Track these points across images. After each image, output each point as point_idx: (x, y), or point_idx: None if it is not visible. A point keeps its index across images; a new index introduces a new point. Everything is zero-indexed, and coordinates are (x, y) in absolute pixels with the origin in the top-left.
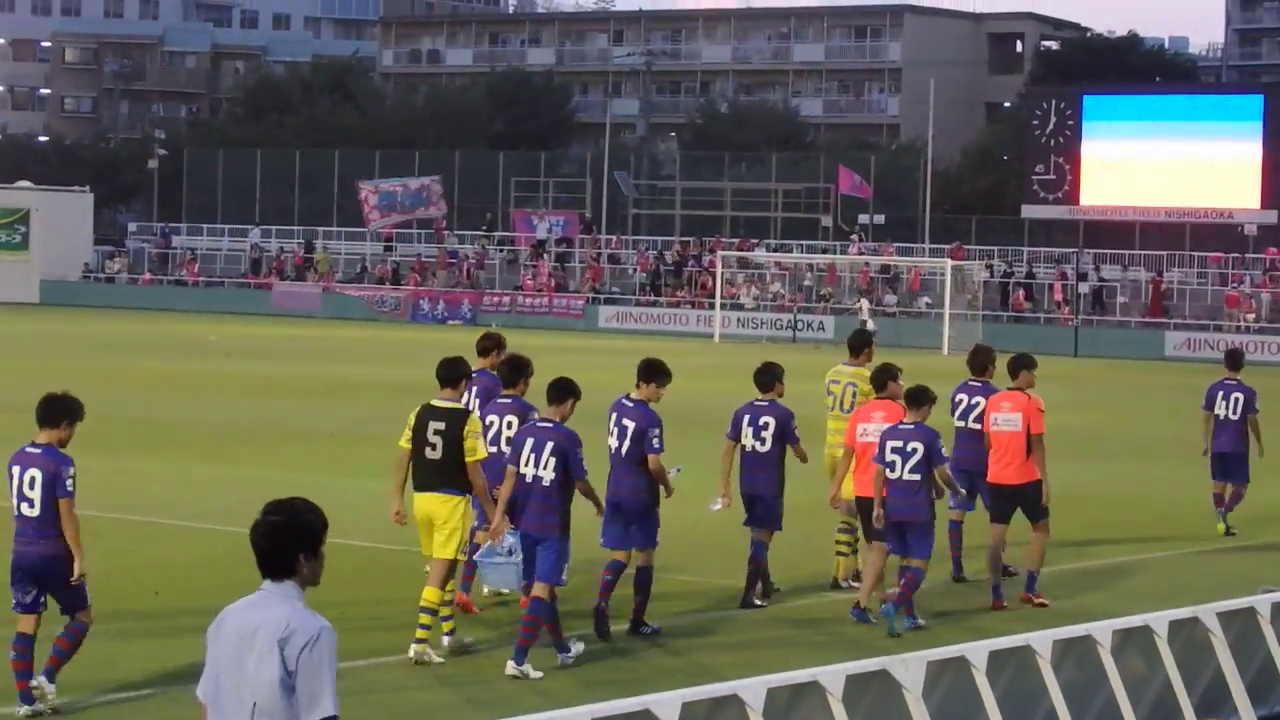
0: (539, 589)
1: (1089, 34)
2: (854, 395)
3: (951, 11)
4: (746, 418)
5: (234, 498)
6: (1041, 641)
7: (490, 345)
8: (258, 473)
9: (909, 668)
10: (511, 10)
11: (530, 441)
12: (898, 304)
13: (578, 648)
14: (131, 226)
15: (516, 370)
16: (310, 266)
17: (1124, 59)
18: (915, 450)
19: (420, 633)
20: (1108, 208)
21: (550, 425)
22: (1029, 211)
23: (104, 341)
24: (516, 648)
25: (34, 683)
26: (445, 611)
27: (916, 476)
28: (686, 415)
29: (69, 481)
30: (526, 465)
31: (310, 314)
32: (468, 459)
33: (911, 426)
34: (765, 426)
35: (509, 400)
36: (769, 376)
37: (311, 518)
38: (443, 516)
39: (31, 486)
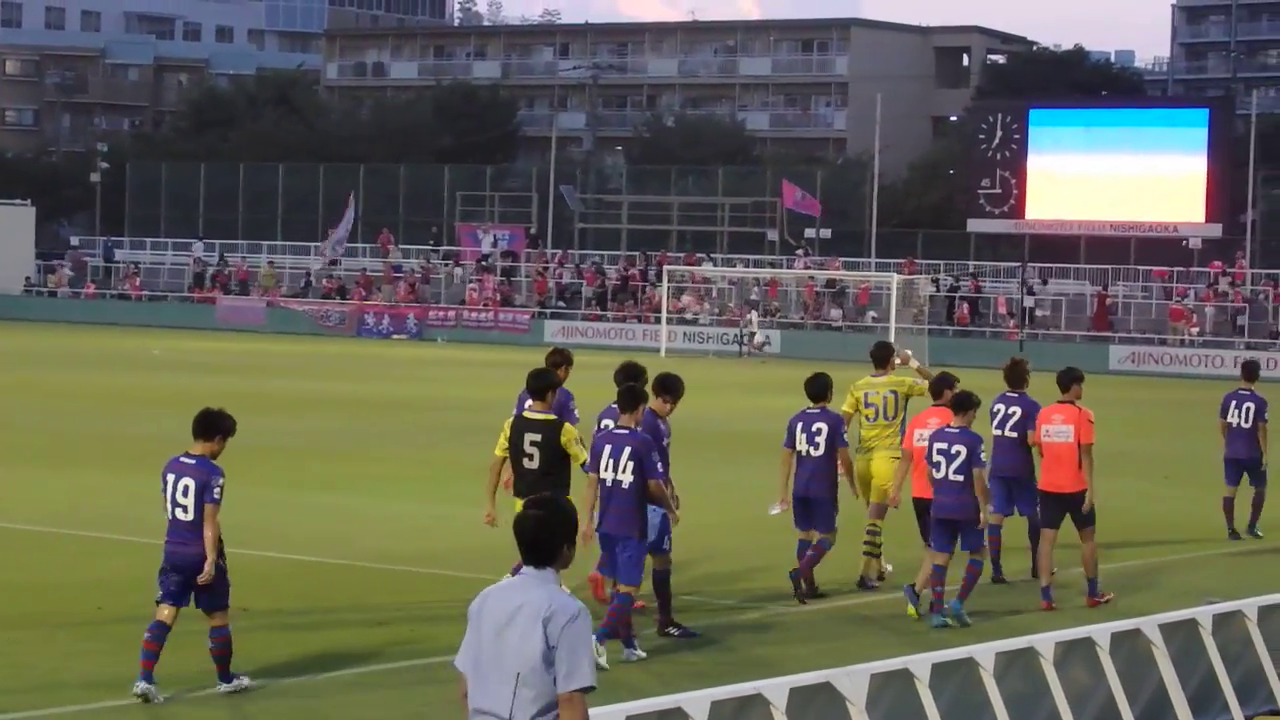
0: (623, 589)
1: (1035, 48)
2: (896, 401)
3: (898, 25)
4: (800, 425)
5: None
6: (984, 654)
7: (560, 361)
8: None
9: (852, 680)
10: (457, 23)
11: (608, 448)
12: (844, 318)
13: (640, 654)
14: (74, 240)
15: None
16: (255, 280)
17: (1070, 73)
18: (959, 453)
19: None
20: (1053, 221)
21: (626, 431)
22: (975, 225)
23: (46, 356)
24: (600, 630)
25: (221, 689)
26: None
27: (960, 477)
28: None
29: (217, 490)
30: (606, 470)
31: (255, 329)
32: (575, 464)
33: (957, 430)
34: (819, 433)
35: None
36: (821, 386)
37: (570, 512)
38: None
39: (185, 494)
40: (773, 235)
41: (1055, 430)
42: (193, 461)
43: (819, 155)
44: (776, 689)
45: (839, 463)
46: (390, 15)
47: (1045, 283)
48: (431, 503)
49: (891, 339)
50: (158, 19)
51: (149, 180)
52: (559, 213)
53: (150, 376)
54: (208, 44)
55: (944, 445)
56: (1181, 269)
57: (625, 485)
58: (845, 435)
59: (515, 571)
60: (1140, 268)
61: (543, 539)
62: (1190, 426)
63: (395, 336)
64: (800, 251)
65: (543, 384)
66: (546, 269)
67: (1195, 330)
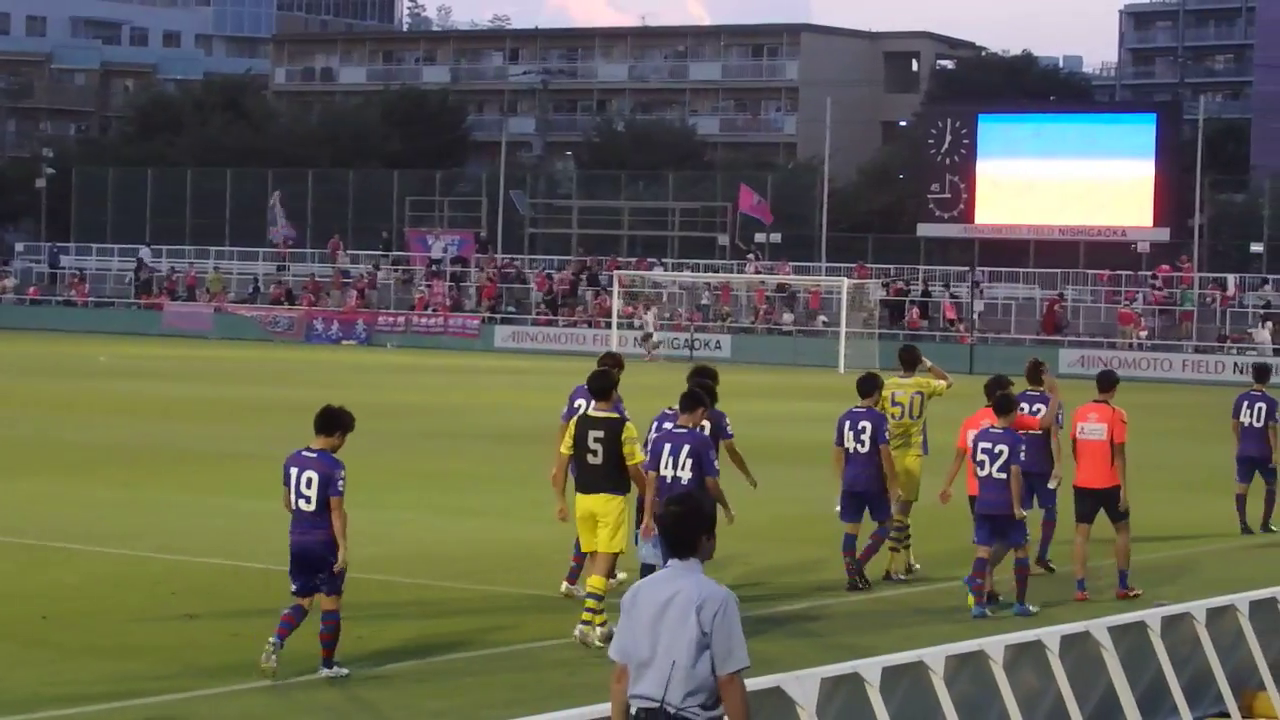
0: None
1: (984, 53)
2: (921, 402)
3: (848, 31)
4: (848, 423)
5: (126, 520)
6: (934, 657)
7: (611, 362)
8: (150, 494)
9: (803, 684)
10: (406, 28)
11: (668, 446)
12: (794, 322)
13: None
14: (19, 246)
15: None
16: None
17: (1019, 78)
18: (1002, 452)
19: (586, 615)
20: (1002, 226)
21: (685, 431)
22: (925, 230)
23: None
24: None
25: (321, 673)
26: (589, 605)
27: (1004, 475)
28: None
29: (340, 483)
30: (666, 468)
31: (202, 334)
32: (629, 462)
33: (1000, 430)
34: (864, 430)
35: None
36: (870, 385)
37: (707, 505)
38: (605, 514)
39: (308, 485)
40: (723, 240)
41: (1090, 428)
42: (314, 455)
43: (769, 160)
44: None
45: (883, 458)
46: (339, 20)
47: (979, 288)
48: (378, 509)
49: (842, 344)
50: (104, 24)
51: (95, 186)
52: (509, 218)
53: (97, 384)
54: (155, 49)
55: (988, 445)
56: (1130, 272)
57: (685, 481)
58: (886, 433)
59: None
60: (1089, 271)
61: (684, 532)
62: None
63: (344, 342)
64: (751, 256)
65: (604, 385)
66: (496, 273)
67: (1144, 333)
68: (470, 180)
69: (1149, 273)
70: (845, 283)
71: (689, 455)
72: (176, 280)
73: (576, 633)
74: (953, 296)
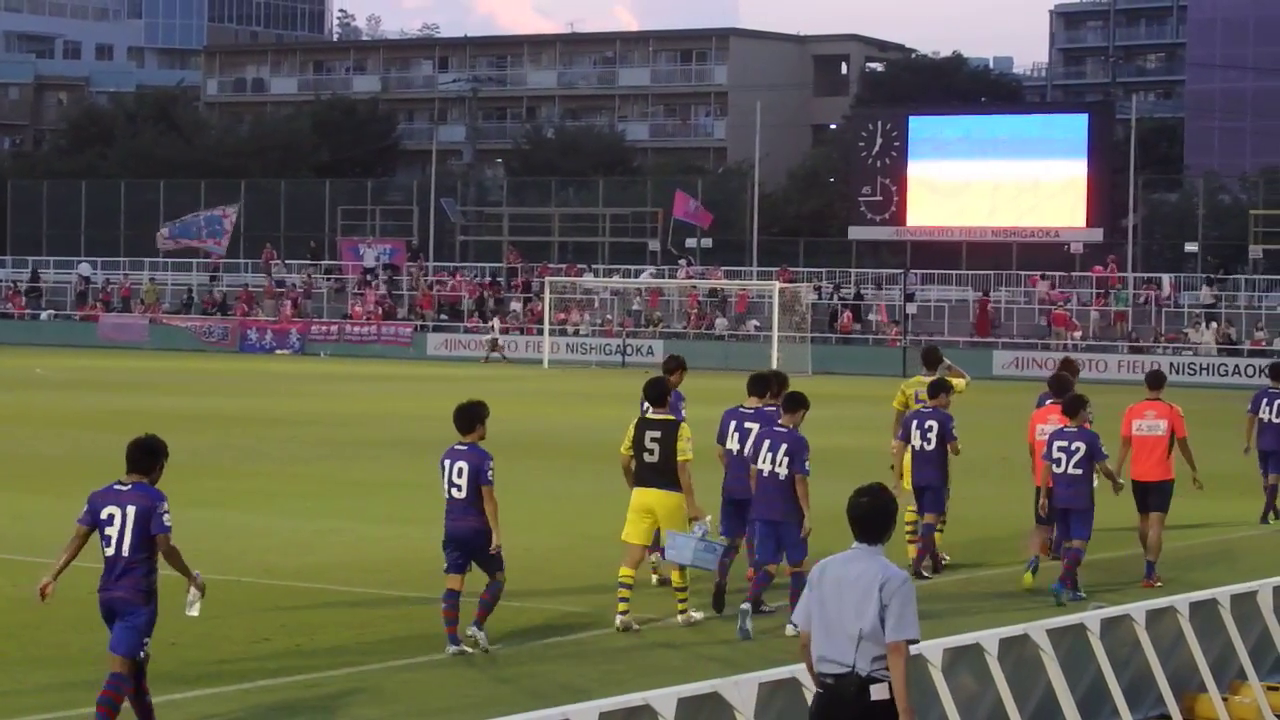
0: (791, 568)
1: (914, 55)
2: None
3: (776, 34)
4: (914, 421)
5: (62, 530)
6: None
7: (675, 366)
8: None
9: (740, 689)
10: (336, 38)
11: (768, 442)
12: (727, 327)
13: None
14: None
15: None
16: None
17: (949, 80)
18: (1079, 449)
19: (621, 605)
20: (934, 228)
21: (785, 430)
22: (856, 233)
23: None
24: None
25: (468, 631)
26: (680, 596)
27: (1079, 471)
28: (520, 441)
29: (489, 472)
30: (764, 462)
31: (138, 345)
32: (679, 459)
33: (1075, 429)
34: (930, 429)
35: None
36: (937, 388)
37: (887, 496)
38: (663, 508)
39: (460, 475)
40: (654, 245)
41: (1147, 424)
42: (465, 448)
43: (699, 165)
44: (664, 699)
45: (950, 453)
46: (269, 31)
47: (914, 291)
48: (314, 517)
49: (774, 347)
50: (37, 37)
51: (29, 199)
52: (440, 225)
53: (33, 395)
54: (88, 62)
55: (1064, 443)
56: (1064, 274)
57: (781, 476)
58: (954, 431)
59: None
60: (1022, 273)
61: (872, 520)
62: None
63: (278, 352)
64: (684, 261)
65: (660, 391)
66: (430, 283)
67: (1078, 334)
68: (401, 189)
69: (1082, 274)
70: (775, 286)
71: (785, 454)
72: (111, 292)
73: (618, 622)
74: (888, 299)
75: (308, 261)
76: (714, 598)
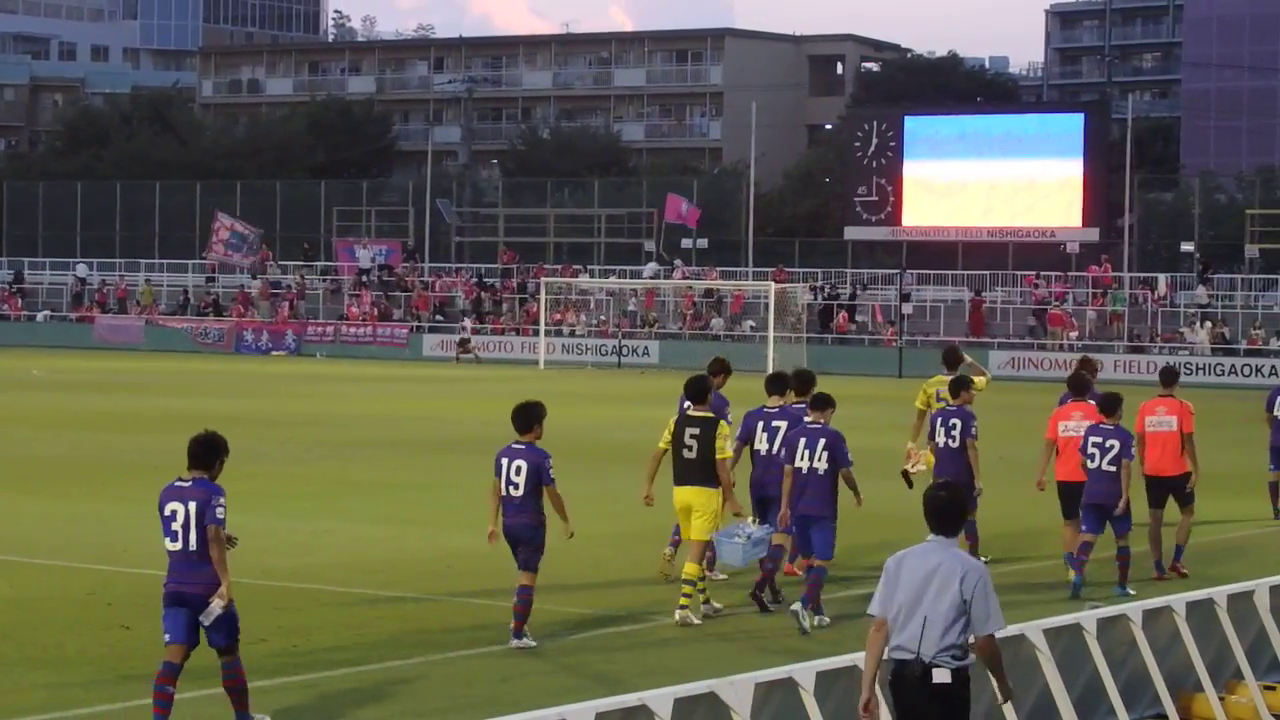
0: (819, 563)
1: (909, 55)
2: None
3: (772, 34)
4: (939, 420)
5: (59, 532)
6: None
7: (719, 369)
8: (83, 506)
9: (737, 690)
10: (331, 39)
11: (803, 440)
12: (723, 327)
13: (826, 619)
14: None
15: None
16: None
17: (945, 80)
18: (1113, 447)
19: (683, 600)
20: (930, 228)
21: (819, 426)
22: (852, 233)
23: None
24: (803, 596)
25: (513, 644)
26: (701, 585)
27: (1113, 468)
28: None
29: (550, 471)
30: (801, 459)
31: (133, 347)
32: (717, 456)
33: (1111, 427)
34: (954, 427)
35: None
36: (958, 385)
37: (961, 491)
38: (700, 505)
39: (518, 474)
40: (650, 246)
41: (1160, 421)
42: (524, 447)
43: (694, 165)
44: (661, 699)
45: (970, 452)
46: (264, 32)
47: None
48: (310, 518)
49: (770, 348)
50: (33, 39)
51: (25, 200)
52: (436, 226)
53: (29, 396)
54: (83, 63)
55: (1099, 440)
56: (1059, 273)
57: (821, 472)
58: (975, 428)
59: None
60: (1018, 273)
61: (949, 513)
62: None
63: (274, 353)
64: (678, 262)
65: (701, 389)
66: (426, 284)
67: (1074, 334)
68: (396, 189)
69: (1078, 273)
70: (771, 287)
71: (824, 449)
72: (107, 293)
73: (677, 616)
74: (884, 299)
75: (302, 263)
76: (762, 588)
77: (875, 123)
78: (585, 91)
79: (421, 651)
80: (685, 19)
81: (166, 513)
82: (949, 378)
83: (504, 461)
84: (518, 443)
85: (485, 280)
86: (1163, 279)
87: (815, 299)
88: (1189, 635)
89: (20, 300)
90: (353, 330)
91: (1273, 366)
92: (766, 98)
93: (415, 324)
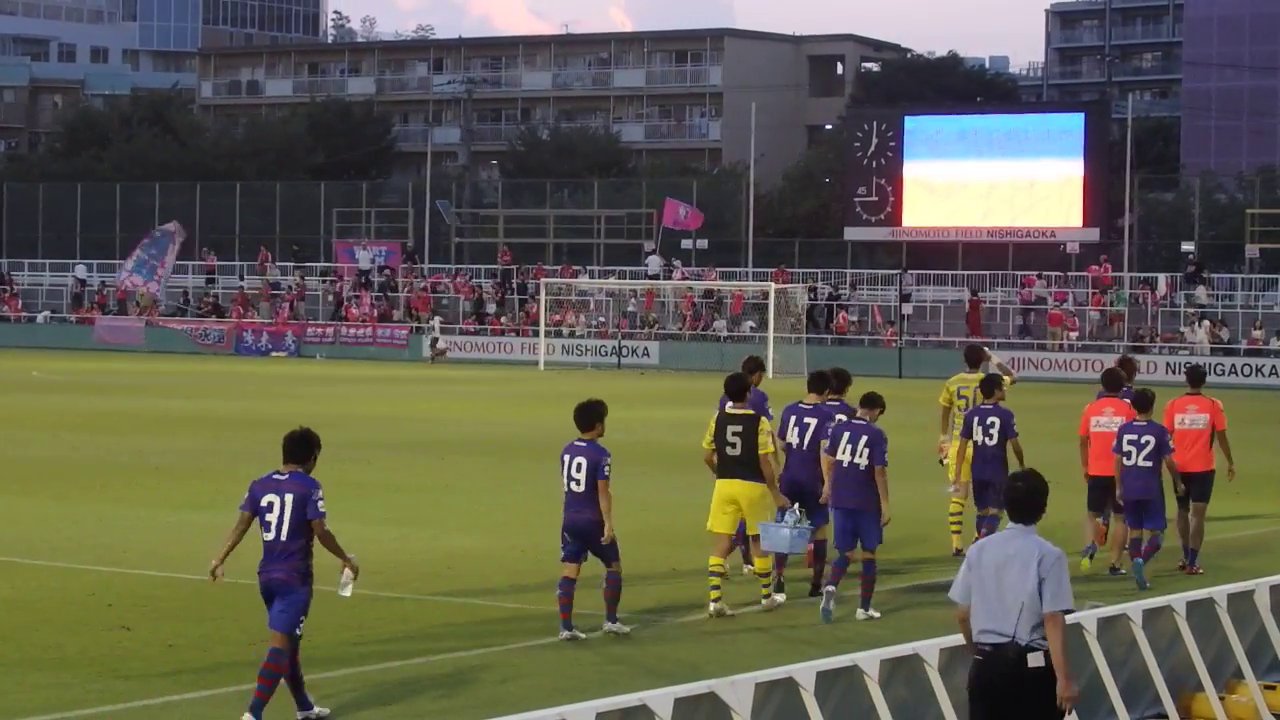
0: (865, 554)
1: (909, 55)
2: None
3: (771, 35)
4: (975, 419)
5: (60, 533)
6: (869, 661)
7: (754, 368)
8: (83, 507)
9: (737, 690)
10: (330, 40)
11: (847, 435)
12: (724, 328)
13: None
14: None
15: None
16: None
17: (945, 80)
18: (1148, 443)
19: (713, 593)
20: (930, 228)
21: (864, 423)
22: (851, 234)
23: None
24: (861, 597)
25: (605, 627)
26: (764, 581)
27: (1149, 464)
28: (515, 442)
29: (606, 468)
30: (843, 454)
31: (133, 348)
32: (760, 452)
33: (1145, 424)
34: (992, 426)
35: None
36: (991, 384)
37: (1040, 481)
38: (745, 499)
39: (579, 470)
40: (649, 246)
41: (1190, 418)
42: (585, 444)
43: (694, 166)
44: (661, 699)
45: (1014, 449)
46: (264, 33)
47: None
48: None
49: (770, 348)
50: (32, 40)
51: (25, 202)
52: (435, 227)
53: (29, 398)
54: (83, 64)
55: (1134, 436)
56: (1059, 274)
57: (861, 468)
58: (1015, 426)
59: None
60: (1018, 273)
61: (1029, 502)
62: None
63: (274, 354)
64: (678, 262)
65: (740, 386)
66: (425, 286)
67: (1074, 334)
68: (396, 191)
69: (1078, 274)
70: (771, 287)
71: (866, 445)
72: (107, 294)
73: (712, 609)
74: (884, 300)
75: (301, 264)
76: (818, 579)
77: (875, 123)
78: (585, 92)
79: (421, 652)
80: (685, 19)
81: (263, 504)
82: (970, 375)
83: (566, 458)
84: (579, 440)
85: (477, 281)
86: (1163, 279)
87: (815, 299)
88: (1189, 635)
89: (20, 301)
90: (352, 331)
91: (1273, 366)
92: (766, 98)
93: (415, 325)
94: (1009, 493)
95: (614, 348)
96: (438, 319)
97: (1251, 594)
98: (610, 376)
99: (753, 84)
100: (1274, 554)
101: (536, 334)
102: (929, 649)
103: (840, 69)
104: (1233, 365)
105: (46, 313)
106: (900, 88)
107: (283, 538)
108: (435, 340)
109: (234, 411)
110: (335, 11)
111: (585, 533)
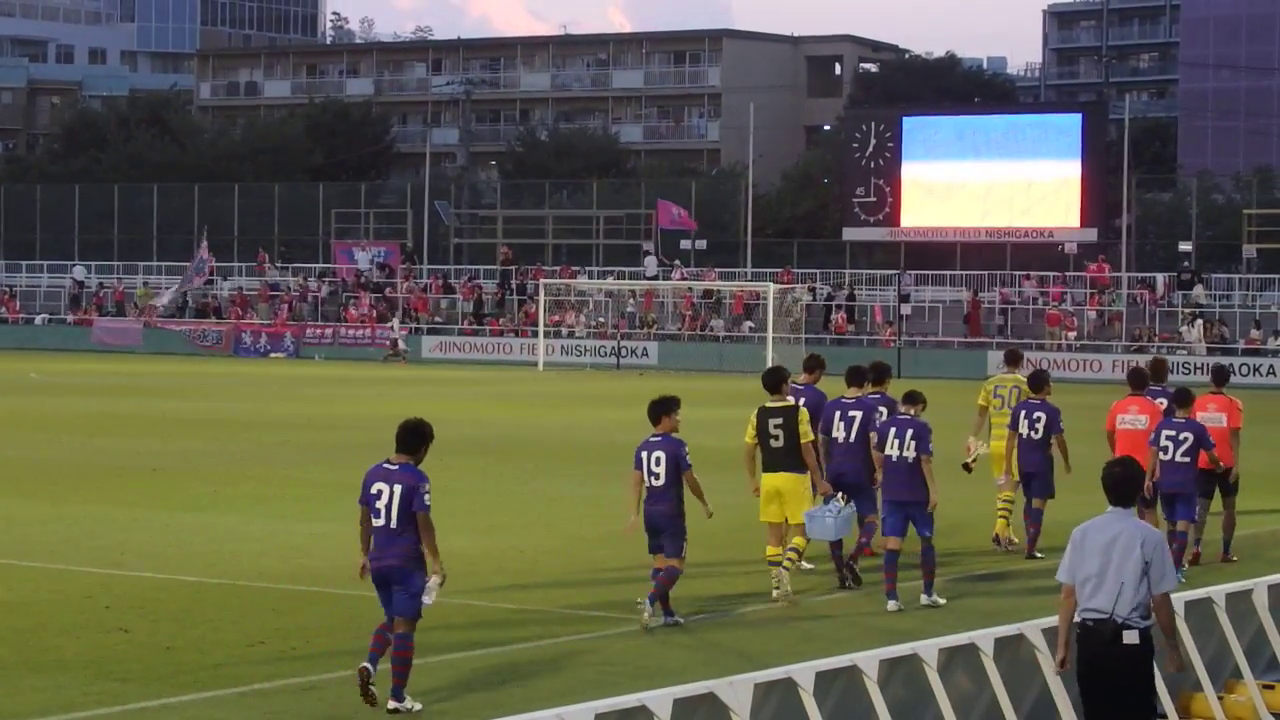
0: (924, 541)
1: (907, 56)
2: (1018, 395)
3: (770, 35)
4: (1023, 412)
5: (57, 535)
6: (868, 661)
7: (814, 365)
8: (81, 510)
9: (736, 690)
10: (329, 41)
11: (893, 429)
12: (723, 329)
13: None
14: None
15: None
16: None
17: (943, 80)
18: (1186, 439)
19: (775, 581)
20: (928, 229)
21: (909, 417)
22: (850, 234)
23: None
24: (924, 583)
25: (638, 601)
26: (790, 569)
27: (1187, 459)
28: (514, 443)
29: (687, 457)
30: (891, 447)
31: (132, 349)
32: (801, 440)
33: (1183, 420)
34: (1038, 420)
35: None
36: (1040, 380)
37: (1136, 467)
38: (790, 490)
39: (658, 464)
40: (648, 247)
41: (1209, 416)
42: (659, 439)
43: (693, 166)
44: (660, 700)
45: (1056, 444)
46: (262, 34)
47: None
48: (309, 521)
49: (769, 349)
50: (30, 41)
51: (23, 203)
52: (434, 228)
53: (27, 400)
54: (81, 66)
55: (1172, 433)
56: (1057, 274)
57: (910, 460)
58: (1061, 422)
59: None
60: (1016, 273)
61: (1124, 486)
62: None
63: (272, 355)
64: (677, 263)
65: (777, 379)
66: (425, 287)
67: (1072, 334)
68: (395, 191)
69: (1076, 274)
70: (770, 288)
71: (913, 438)
72: (105, 296)
73: (777, 574)
74: (883, 300)
75: (300, 264)
76: (845, 569)
77: (873, 123)
78: (583, 93)
79: (420, 653)
80: (683, 20)
81: (372, 491)
82: (1008, 375)
83: (644, 454)
84: (654, 435)
85: (475, 281)
86: (1160, 279)
87: (814, 300)
88: (1188, 634)
89: (18, 302)
90: (351, 332)
91: (1270, 366)
92: (764, 99)
93: (414, 326)
94: (1106, 478)
95: (613, 348)
96: (396, 319)
97: (1250, 593)
98: (609, 377)
99: (751, 85)
100: (1261, 557)
101: (535, 334)
102: (927, 649)
103: (838, 69)
104: (1230, 365)
105: (44, 314)
106: (898, 88)
107: (392, 524)
108: (395, 341)
109: (232, 413)
110: (333, 12)
111: (660, 525)
